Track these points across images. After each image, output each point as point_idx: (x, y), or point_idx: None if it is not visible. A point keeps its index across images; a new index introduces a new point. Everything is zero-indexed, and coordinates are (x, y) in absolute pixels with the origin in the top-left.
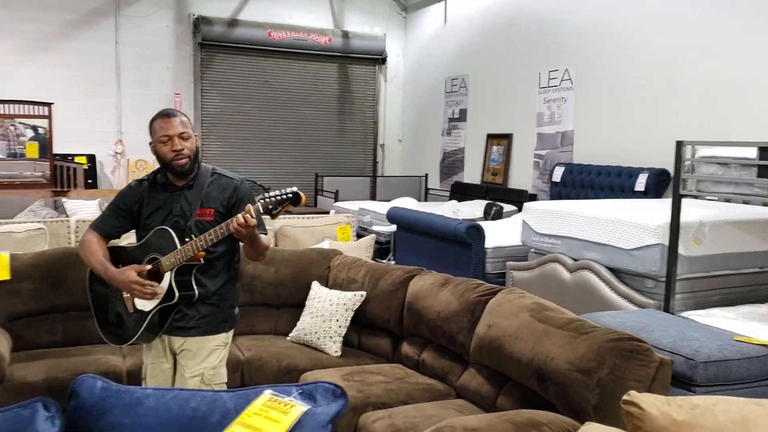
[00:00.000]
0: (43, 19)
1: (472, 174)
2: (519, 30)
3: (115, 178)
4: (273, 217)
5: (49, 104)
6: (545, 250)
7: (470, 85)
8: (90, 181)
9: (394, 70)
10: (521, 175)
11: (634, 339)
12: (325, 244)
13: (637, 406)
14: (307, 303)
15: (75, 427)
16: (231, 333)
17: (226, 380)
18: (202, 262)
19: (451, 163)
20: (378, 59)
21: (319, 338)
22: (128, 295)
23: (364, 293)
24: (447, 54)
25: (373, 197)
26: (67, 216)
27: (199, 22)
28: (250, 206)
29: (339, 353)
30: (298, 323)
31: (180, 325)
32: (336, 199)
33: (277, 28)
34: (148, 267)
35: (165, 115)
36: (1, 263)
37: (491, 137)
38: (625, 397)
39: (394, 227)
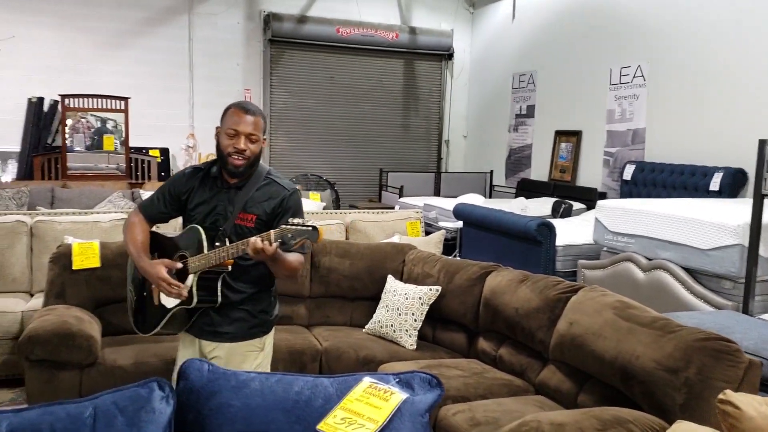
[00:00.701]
0: (120, 17)
1: (539, 171)
2: (589, 26)
3: None
4: (289, 250)
5: (125, 99)
6: (618, 249)
7: (538, 81)
8: (163, 173)
9: (460, 65)
10: (590, 173)
11: (723, 339)
12: (395, 239)
13: (733, 406)
14: (382, 296)
15: (185, 407)
16: (266, 338)
17: None
18: (230, 269)
19: (518, 159)
20: (444, 55)
21: (394, 331)
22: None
23: (439, 288)
24: (515, 49)
25: (436, 193)
26: None
27: (270, 19)
28: (271, 232)
29: (414, 347)
30: (374, 316)
31: (210, 329)
32: (401, 195)
33: (345, 24)
34: (179, 265)
35: (243, 108)
36: (92, 251)
37: (560, 134)
38: (720, 396)
39: (460, 223)
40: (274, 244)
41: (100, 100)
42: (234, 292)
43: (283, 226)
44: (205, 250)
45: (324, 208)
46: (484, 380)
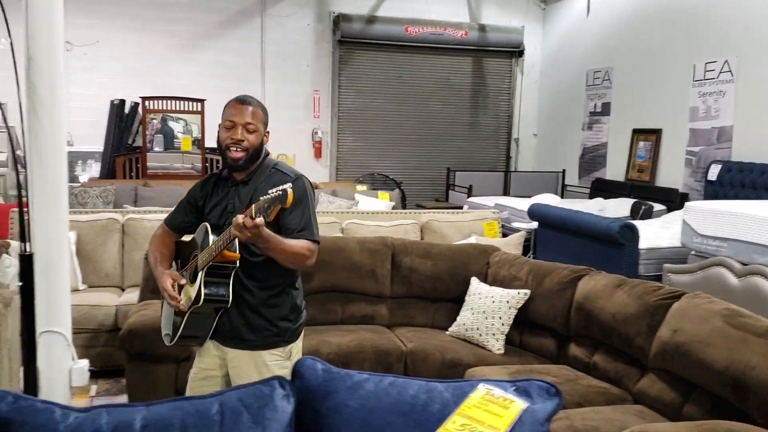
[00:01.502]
0: (196, 20)
1: (615, 170)
2: (670, 20)
3: None
4: (267, 218)
5: (202, 101)
6: (709, 252)
7: (615, 77)
8: None
9: (531, 63)
10: (670, 173)
11: None
12: (472, 240)
13: None
14: (466, 299)
15: (302, 406)
16: (292, 347)
17: None
18: (237, 264)
19: (592, 158)
20: (515, 52)
21: (481, 335)
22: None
23: (527, 291)
24: (589, 46)
25: (506, 193)
26: None
27: (339, 20)
28: (252, 206)
29: (502, 351)
30: (458, 318)
31: (232, 335)
32: (469, 195)
33: (413, 23)
34: (183, 281)
35: (239, 100)
36: None
37: (637, 132)
38: None
39: (534, 224)
40: (258, 218)
41: (177, 101)
42: (247, 291)
43: (261, 198)
44: (210, 243)
45: (393, 208)
46: (579, 387)
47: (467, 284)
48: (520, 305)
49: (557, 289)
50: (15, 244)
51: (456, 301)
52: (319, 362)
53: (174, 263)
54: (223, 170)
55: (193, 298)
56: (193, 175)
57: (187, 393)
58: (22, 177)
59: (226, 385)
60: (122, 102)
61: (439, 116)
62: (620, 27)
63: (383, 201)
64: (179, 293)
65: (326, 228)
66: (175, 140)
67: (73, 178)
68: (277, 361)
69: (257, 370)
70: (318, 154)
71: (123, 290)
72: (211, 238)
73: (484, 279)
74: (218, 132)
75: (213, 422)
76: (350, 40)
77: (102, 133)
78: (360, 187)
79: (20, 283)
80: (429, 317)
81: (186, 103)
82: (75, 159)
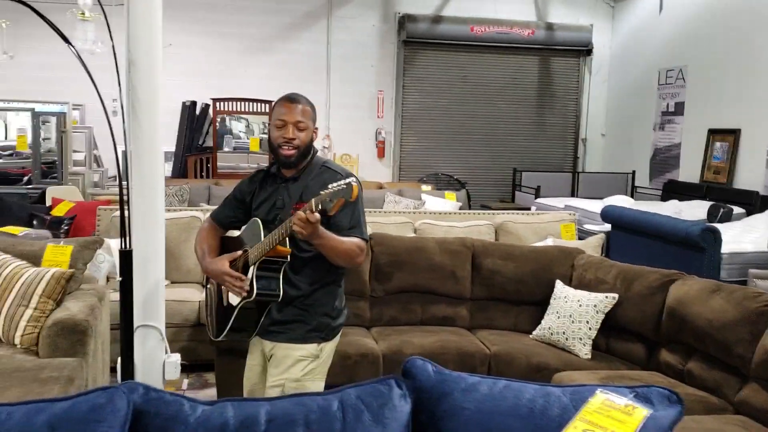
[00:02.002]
0: (265, 22)
1: (688, 172)
2: (751, 15)
3: None
4: (327, 213)
5: (269, 102)
6: None
7: (689, 76)
8: None
9: (599, 61)
10: (750, 174)
11: None
12: (549, 242)
13: None
14: (551, 302)
15: (416, 406)
16: (325, 346)
17: None
18: (288, 259)
19: (664, 159)
20: (582, 51)
21: (567, 339)
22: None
23: (616, 296)
24: (661, 44)
25: (573, 194)
26: None
27: (404, 20)
28: (311, 200)
29: (589, 356)
30: (543, 322)
31: (270, 328)
32: (537, 196)
33: (479, 22)
34: (239, 253)
35: (288, 99)
36: None
37: (713, 132)
38: None
39: (607, 226)
40: (316, 213)
41: (246, 103)
42: (293, 287)
43: (321, 192)
44: (262, 238)
45: (460, 208)
46: None
47: (550, 287)
48: (607, 309)
49: (647, 294)
50: (107, 241)
51: (538, 304)
52: (429, 363)
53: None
54: (271, 166)
55: (245, 293)
56: None
57: (244, 390)
58: (99, 176)
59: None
60: (193, 103)
61: (504, 116)
62: (695, 23)
63: (450, 201)
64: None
65: (398, 228)
66: (236, 140)
67: None
68: (306, 358)
69: (285, 361)
70: (381, 154)
71: (204, 286)
72: (263, 232)
73: (569, 282)
74: (269, 131)
75: (335, 419)
76: (415, 41)
77: (173, 133)
78: (425, 187)
79: (119, 279)
80: (511, 320)
81: (254, 104)
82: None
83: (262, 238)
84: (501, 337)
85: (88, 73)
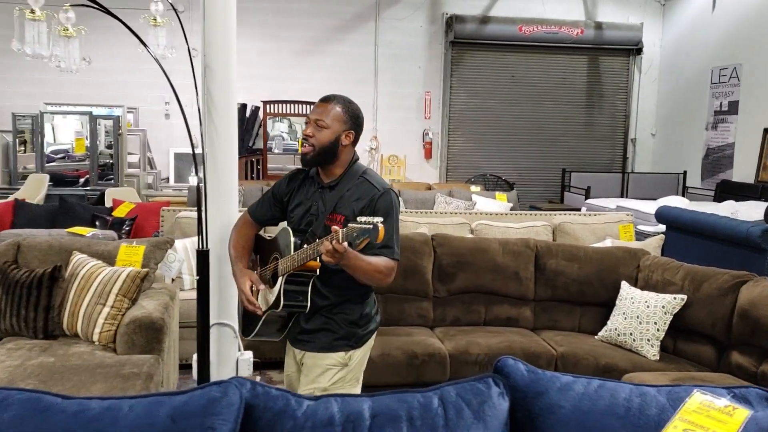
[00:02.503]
0: (314, 25)
1: (743, 172)
2: None
3: None
4: (355, 248)
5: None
6: None
7: (743, 75)
8: None
9: (649, 60)
10: None
11: None
12: (607, 243)
13: None
14: (618, 303)
15: (513, 404)
16: (354, 353)
17: None
18: (317, 273)
19: (717, 159)
20: (632, 50)
21: (635, 340)
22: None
23: (684, 297)
24: (714, 42)
25: (622, 194)
26: None
27: (452, 21)
28: (339, 231)
29: (657, 357)
30: (609, 323)
31: (299, 337)
32: (587, 196)
33: (528, 22)
34: (262, 287)
35: (322, 98)
36: None
37: None
38: None
39: (660, 227)
40: (344, 243)
41: (295, 105)
42: (322, 297)
43: (350, 225)
44: (292, 252)
45: (511, 209)
46: None
47: (615, 288)
48: (676, 311)
49: (717, 295)
50: (177, 241)
51: (603, 305)
52: (521, 362)
53: (252, 258)
54: (311, 169)
55: (271, 303)
56: None
57: None
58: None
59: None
60: (243, 106)
61: (552, 116)
62: (749, 21)
63: (501, 202)
64: (257, 297)
65: (455, 229)
66: (284, 141)
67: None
68: (334, 366)
69: (313, 370)
70: (428, 154)
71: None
72: (293, 245)
73: (634, 283)
74: None
75: (437, 415)
76: (463, 41)
77: None
78: (474, 188)
79: (197, 277)
80: (574, 321)
81: (303, 106)
82: (199, 160)
83: (292, 251)
84: (566, 337)
85: (168, 78)
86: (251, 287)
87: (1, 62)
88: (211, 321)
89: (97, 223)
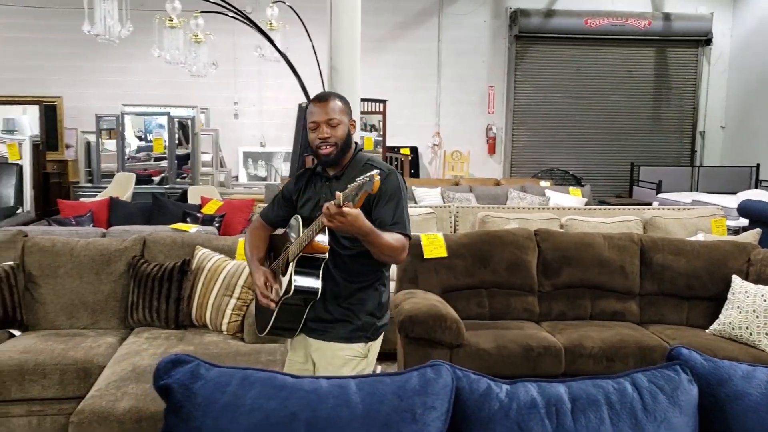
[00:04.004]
0: (378, 23)
1: None
2: None
3: (432, 168)
4: (355, 205)
5: (383, 101)
6: None
7: None
8: (413, 171)
9: (719, 51)
10: None
11: None
12: (700, 237)
13: None
14: (730, 297)
15: (700, 391)
16: (372, 345)
17: None
18: (327, 256)
19: None
20: (701, 41)
21: (751, 334)
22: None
23: None
24: None
25: (691, 188)
26: (450, 202)
27: (517, 15)
28: (338, 194)
29: None
30: (721, 317)
31: (315, 326)
32: (659, 191)
33: (594, 15)
34: (276, 286)
35: (317, 98)
36: (439, 242)
37: None
38: None
39: (742, 221)
40: (345, 206)
41: (361, 102)
42: (335, 283)
43: (349, 185)
44: (300, 235)
45: (585, 204)
46: None
47: (724, 282)
48: None
49: None
50: None
51: (712, 299)
52: (695, 352)
53: (268, 257)
54: (317, 166)
55: (284, 289)
56: None
57: None
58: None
59: None
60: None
61: (619, 110)
62: None
63: (575, 197)
64: (272, 292)
65: (545, 224)
66: None
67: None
68: (354, 357)
69: (333, 362)
70: (492, 150)
71: None
72: (301, 228)
73: (745, 277)
74: (308, 136)
75: (634, 399)
76: (527, 35)
77: (290, 134)
78: (543, 183)
79: None
80: (682, 315)
81: (368, 104)
82: (267, 159)
83: (301, 234)
84: (677, 331)
85: (298, 76)
86: (265, 282)
87: (84, 66)
88: None
89: (188, 219)
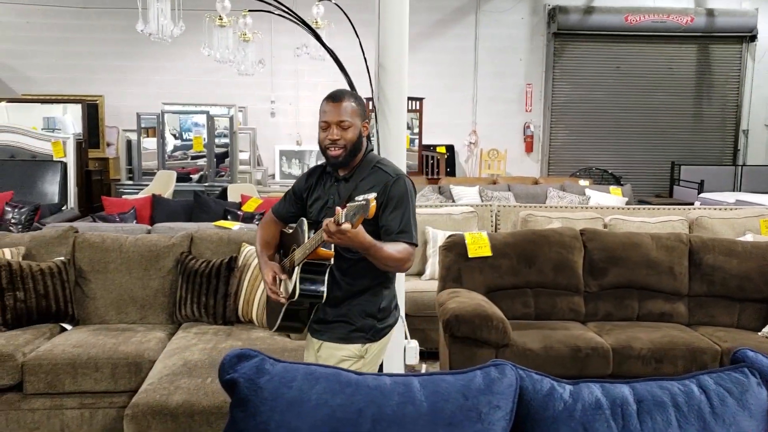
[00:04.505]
0: (415, 21)
1: None
2: None
3: (468, 167)
4: (353, 226)
5: (420, 99)
6: None
7: None
8: (449, 169)
9: (764, 48)
10: None
11: None
12: (749, 237)
13: None
14: None
15: None
16: (370, 347)
17: None
18: (332, 262)
19: None
20: (745, 37)
21: None
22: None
23: None
24: None
25: (735, 188)
26: (488, 201)
27: (555, 12)
28: (338, 209)
29: None
30: None
31: (317, 327)
32: (701, 190)
33: (635, 11)
34: (284, 276)
35: (331, 97)
36: (483, 241)
37: None
38: None
39: None
40: (344, 224)
41: None
42: (339, 288)
43: (348, 204)
44: (306, 241)
45: (626, 203)
46: None
47: None
48: None
49: None
50: None
51: (764, 301)
52: (761, 354)
53: (277, 253)
54: (327, 165)
55: (289, 293)
56: (412, 172)
57: None
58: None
59: None
60: None
61: (659, 108)
62: None
63: (616, 197)
64: (280, 287)
65: (588, 224)
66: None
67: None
68: (350, 358)
69: (328, 362)
70: (529, 148)
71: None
72: (307, 235)
73: None
74: (318, 134)
75: (702, 402)
76: (566, 32)
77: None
78: (582, 182)
79: None
80: (733, 317)
81: (408, 102)
82: (302, 157)
83: (306, 241)
84: (728, 333)
85: (346, 74)
86: (274, 277)
87: (123, 65)
88: None
89: (228, 217)
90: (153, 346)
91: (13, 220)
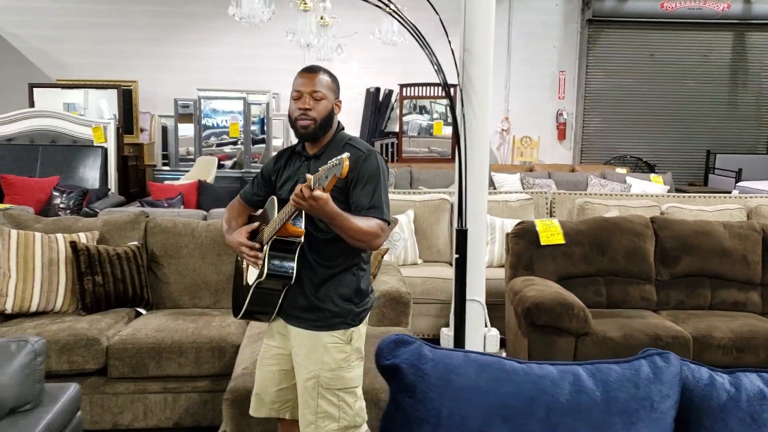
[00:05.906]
0: (445, 7)
1: None
2: None
3: (500, 154)
4: (324, 189)
5: (454, 86)
6: None
7: None
8: None
9: None
10: None
11: None
12: None
13: None
14: None
15: None
16: (352, 331)
17: (355, 387)
18: (302, 240)
19: None
20: None
21: None
22: (245, 264)
23: None
24: None
25: None
26: (530, 188)
27: None
28: (309, 177)
29: None
30: None
31: (294, 313)
32: (738, 179)
33: None
34: (255, 225)
35: (306, 69)
36: (555, 229)
37: None
38: None
39: None
40: (316, 190)
41: (431, 88)
42: (310, 268)
43: (321, 167)
44: (275, 217)
45: (668, 191)
46: None
47: None
48: None
49: None
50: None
51: None
52: None
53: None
54: (297, 144)
55: (257, 273)
56: (444, 159)
57: (257, 370)
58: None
59: (284, 365)
60: (377, 90)
61: (694, 96)
62: None
63: (657, 184)
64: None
65: (646, 212)
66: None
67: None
68: (337, 344)
69: (315, 351)
70: (562, 135)
71: (451, 265)
72: (276, 211)
73: None
74: (289, 105)
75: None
76: (600, 19)
77: (356, 119)
78: (619, 170)
79: (457, 255)
80: None
81: (439, 89)
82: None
83: (275, 217)
84: None
85: (434, 57)
86: (247, 238)
87: (157, 50)
88: (468, 297)
89: None
90: (234, 330)
91: (61, 205)
